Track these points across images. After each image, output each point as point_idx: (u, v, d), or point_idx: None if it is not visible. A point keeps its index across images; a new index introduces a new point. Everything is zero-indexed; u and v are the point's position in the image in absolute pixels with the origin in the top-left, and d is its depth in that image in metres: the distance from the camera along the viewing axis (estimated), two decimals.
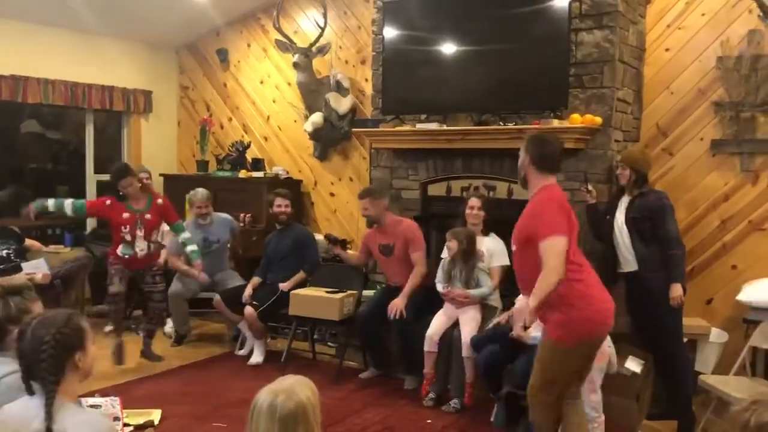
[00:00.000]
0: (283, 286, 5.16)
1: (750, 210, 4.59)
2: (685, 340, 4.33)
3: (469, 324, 4.31)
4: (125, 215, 4.86)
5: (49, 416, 1.82)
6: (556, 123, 4.47)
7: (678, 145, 4.84)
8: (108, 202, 4.94)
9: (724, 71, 4.59)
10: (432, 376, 4.44)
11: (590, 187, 4.39)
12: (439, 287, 4.53)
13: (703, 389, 4.24)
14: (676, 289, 3.94)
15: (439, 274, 4.56)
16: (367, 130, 5.31)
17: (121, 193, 4.90)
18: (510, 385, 3.78)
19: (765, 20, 4.21)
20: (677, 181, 4.78)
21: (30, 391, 1.92)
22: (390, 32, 5.19)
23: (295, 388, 1.74)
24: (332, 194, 6.55)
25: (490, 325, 4.21)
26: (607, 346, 3.64)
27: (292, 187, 6.44)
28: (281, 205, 5.34)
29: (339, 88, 6.23)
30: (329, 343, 5.51)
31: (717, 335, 4.42)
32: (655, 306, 4.07)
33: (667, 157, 4.88)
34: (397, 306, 4.62)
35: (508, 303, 4.45)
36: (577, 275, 3.03)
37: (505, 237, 4.64)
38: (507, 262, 4.53)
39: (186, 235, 5.16)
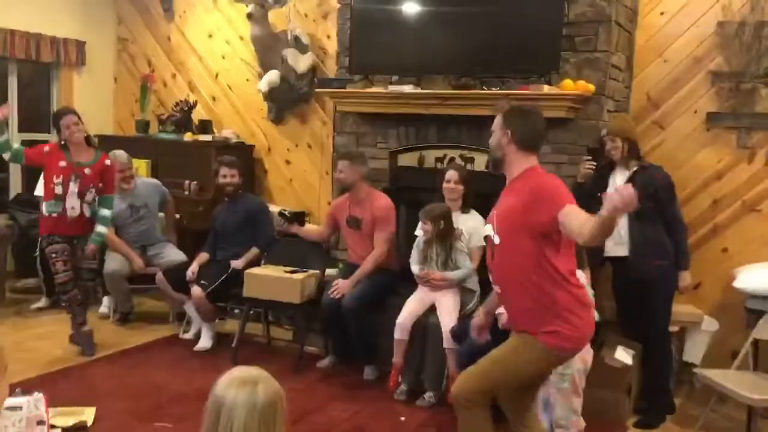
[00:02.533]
0: (235, 263, 4.63)
1: (745, 190, 4.29)
2: (675, 328, 4.03)
3: (449, 311, 3.89)
4: (62, 164, 4.26)
5: None
6: (546, 89, 4.04)
7: (670, 118, 4.49)
8: (47, 148, 4.37)
9: (724, 38, 4.24)
10: (401, 367, 4.01)
11: (590, 161, 3.93)
12: (415, 269, 4.08)
13: (689, 380, 3.99)
14: (686, 278, 3.64)
15: (414, 255, 4.11)
16: (333, 91, 4.77)
17: (62, 142, 4.30)
18: None
19: None
20: (667, 156, 4.42)
21: None
22: None
23: (266, 376, 1.49)
24: (288, 162, 6.00)
25: (473, 313, 3.79)
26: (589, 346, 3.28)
27: (243, 152, 5.89)
28: (227, 174, 4.78)
29: (297, 44, 5.65)
30: (285, 326, 5.01)
31: (707, 323, 4.13)
32: (648, 294, 3.75)
33: (657, 130, 4.52)
34: (340, 287, 4.17)
35: (489, 287, 4.04)
36: (576, 280, 2.61)
37: (485, 213, 4.25)
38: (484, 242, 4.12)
39: (107, 212, 4.43)
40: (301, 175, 5.93)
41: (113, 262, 4.87)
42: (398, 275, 4.44)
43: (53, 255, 4.26)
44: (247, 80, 6.12)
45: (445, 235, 3.97)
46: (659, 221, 3.76)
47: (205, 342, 4.63)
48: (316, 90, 4.95)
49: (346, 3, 4.83)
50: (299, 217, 4.57)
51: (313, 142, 5.84)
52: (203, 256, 4.81)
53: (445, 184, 4.13)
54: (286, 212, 4.52)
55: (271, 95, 5.75)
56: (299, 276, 4.30)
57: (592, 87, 4.05)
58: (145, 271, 4.99)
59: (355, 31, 4.70)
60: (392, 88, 4.50)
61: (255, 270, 4.44)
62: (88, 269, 4.43)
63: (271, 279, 4.32)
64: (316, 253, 4.64)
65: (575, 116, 4.14)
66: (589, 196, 3.88)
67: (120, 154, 5.01)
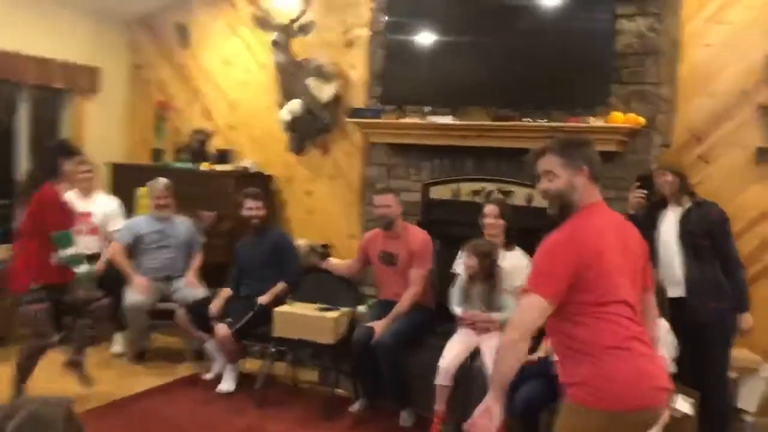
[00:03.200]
0: (262, 299, 4.42)
1: None
2: (734, 374, 3.83)
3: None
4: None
5: None
6: (596, 121, 3.88)
7: (715, 152, 4.33)
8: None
9: None
10: (444, 414, 3.77)
11: (640, 188, 3.74)
12: (457, 310, 3.88)
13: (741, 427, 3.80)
14: (748, 320, 3.44)
15: (456, 295, 3.91)
16: (366, 121, 4.59)
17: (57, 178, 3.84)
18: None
19: None
20: (713, 192, 4.23)
21: None
22: (395, 8, 4.49)
23: None
24: (308, 193, 5.80)
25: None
26: None
27: (261, 183, 5.68)
28: (252, 207, 4.59)
29: (320, 74, 5.49)
30: (310, 367, 4.76)
31: (766, 369, 3.94)
32: (705, 339, 3.56)
33: (702, 165, 4.36)
34: (378, 327, 3.96)
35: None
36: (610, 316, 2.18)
37: (527, 250, 4.06)
38: None
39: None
40: (322, 207, 5.72)
41: (134, 295, 4.63)
42: (434, 313, 4.24)
43: (36, 312, 3.79)
44: (267, 108, 5.94)
45: (490, 273, 3.77)
46: (716, 260, 3.59)
47: (228, 384, 4.38)
48: (348, 120, 4.77)
49: (378, 32, 4.68)
50: (326, 252, 4.36)
51: (336, 173, 5.65)
52: (226, 292, 4.59)
53: (484, 219, 3.95)
54: (318, 247, 4.31)
55: (292, 125, 5.58)
56: (332, 314, 4.08)
57: (642, 120, 3.90)
58: (164, 306, 4.75)
59: (388, 60, 4.54)
60: (432, 118, 4.33)
61: (285, 308, 4.21)
62: (100, 304, 4.09)
63: (302, 317, 4.09)
64: (345, 289, 4.42)
65: (623, 150, 3.98)
66: (639, 227, 3.71)
67: (162, 180, 4.95)
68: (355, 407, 4.20)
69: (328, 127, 5.57)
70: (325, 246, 4.45)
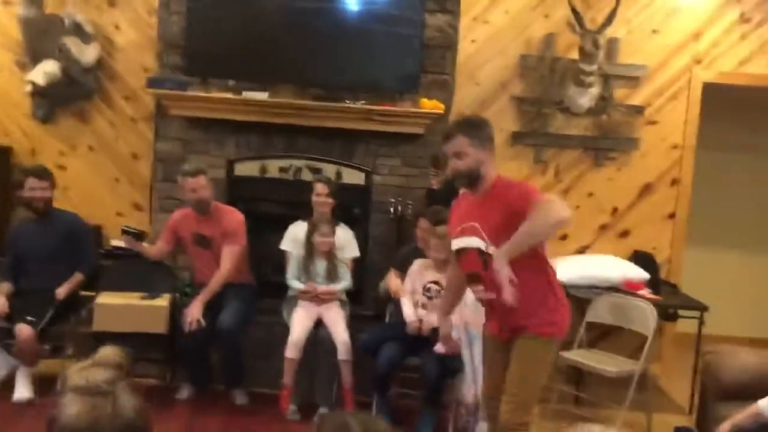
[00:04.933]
0: (60, 292, 3.91)
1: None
2: None
3: (340, 323, 3.90)
4: None
5: None
6: (403, 106, 4.31)
7: None
8: None
9: (524, 69, 4.98)
10: (292, 386, 3.89)
11: (436, 171, 4.29)
12: (296, 284, 3.98)
13: None
14: None
15: (294, 270, 4.01)
16: (170, 93, 4.29)
17: None
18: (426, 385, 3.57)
19: (578, 30, 4.67)
20: None
21: None
22: None
23: None
24: (61, 167, 5.14)
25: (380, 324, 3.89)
26: None
27: None
28: (36, 187, 4.02)
29: (79, 32, 4.89)
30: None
31: None
32: None
33: None
34: (193, 316, 3.87)
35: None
36: (551, 268, 2.93)
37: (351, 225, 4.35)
38: (358, 253, 4.24)
39: None
40: (80, 184, 5.13)
41: None
42: (257, 290, 4.27)
43: None
44: None
45: (331, 249, 3.96)
46: None
47: (24, 391, 3.80)
48: (152, 91, 4.37)
49: None
50: (140, 235, 4.04)
51: (97, 145, 5.11)
52: (5, 287, 3.94)
53: (315, 197, 4.10)
54: (131, 229, 3.97)
55: (43, 90, 4.88)
56: (162, 302, 3.84)
57: (441, 106, 4.43)
58: None
59: (190, 28, 4.31)
60: (246, 94, 4.26)
61: (105, 299, 3.81)
62: None
63: (129, 308, 3.77)
64: (159, 273, 4.16)
65: (424, 132, 4.47)
66: (443, 202, 4.29)
67: None
68: (184, 394, 4.04)
69: (89, 94, 5.01)
70: (142, 233, 4.07)
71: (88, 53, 4.91)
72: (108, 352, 1.41)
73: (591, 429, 1.55)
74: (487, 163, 2.75)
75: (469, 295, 3.16)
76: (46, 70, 4.79)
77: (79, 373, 1.34)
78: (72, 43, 4.84)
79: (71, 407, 1.30)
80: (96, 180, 5.12)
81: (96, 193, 5.11)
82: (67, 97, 5.00)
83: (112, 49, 5.03)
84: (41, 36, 4.83)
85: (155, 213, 4.66)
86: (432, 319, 3.60)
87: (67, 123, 5.11)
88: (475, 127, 2.82)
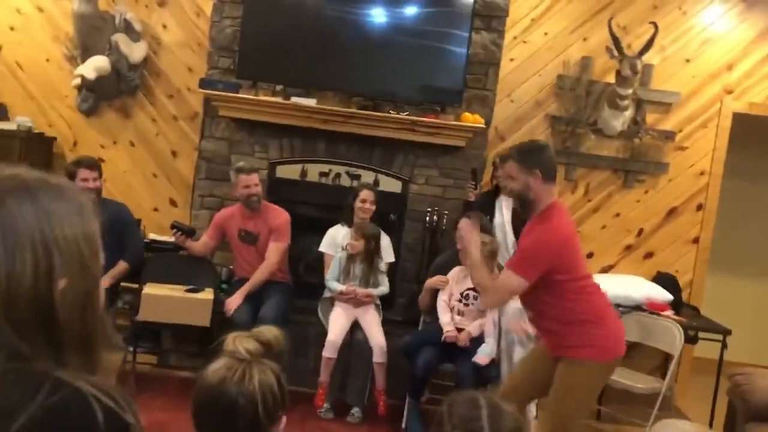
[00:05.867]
0: (104, 280, 3.99)
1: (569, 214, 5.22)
2: None
3: (376, 325, 4.01)
4: None
5: None
6: (445, 119, 4.43)
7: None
8: None
9: (560, 89, 5.11)
10: (328, 385, 3.99)
11: (475, 184, 4.41)
12: (335, 285, 4.08)
13: None
14: None
15: (334, 271, 4.11)
16: (221, 94, 4.40)
17: None
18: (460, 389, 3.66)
19: (616, 55, 4.80)
20: None
21: None
22: None
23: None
24: (102, 160, 5.23)
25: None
26: None
27: (41, 145, 5.02)
28: (88, 178, 4.13)
29: (129, 30, 5.02)
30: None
31: None
32: None
33: None
34: (233, 302, 4.00)
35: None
36: (594, 289, 3.01)
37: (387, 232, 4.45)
38: (393, 258, 4.35)
39: None
40: (119, 177, 5.23)
41: None
42: (294, 289, 4.37)
43: None
44: (47, 60, 5.18)
45: (373, 254, 4.07)
46: None
47: None
48: (204, 92, 4.48)
49: (225, 1, 4.52)
50: (191, 231, 4.15)
51: (137, 140, 5.23)
52: None
53: (360, 204, 4.21)
54: (181, 225, 4.08)
55: (91, 84, 5.00)
56: (206, 296, 3.95)
57: (482, 120, 4.55)
58: None
59: (245, 33, 4.43)
60: (295, 99, 4.38)
61: (151, 290, 3.91)
62: None
63: (175, 300, 3.87)
64: (202, 267, 4.26)
65: (465, 145, 4.59)
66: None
67: None
68: None
69: (134, 90, 5.14)
70: (193, 229, 4.19)
71: (136, 50, 5.03)
72: (266, 329, 1.53)
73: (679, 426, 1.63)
74: (537, 189, 2.82)
75: (511, 303, 3.29)
76: (96, 65, 4.91)
77: (234, 339, 1.46)
78: (121, 40, 4.97)
79: (214, 364, 1.45)
80: (134, 174, 5.24)
81: (133, 187, 5.23)
82: (112, 92, 5.12)
83: (159, 48, 5.16)
84: (93, 31, 4.96)
85: (195, 209, 4.76)
86: (470, 327, 3.72)
87: (110, 117, 5.23)
88: (525, 153, 2.92)
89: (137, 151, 5.23)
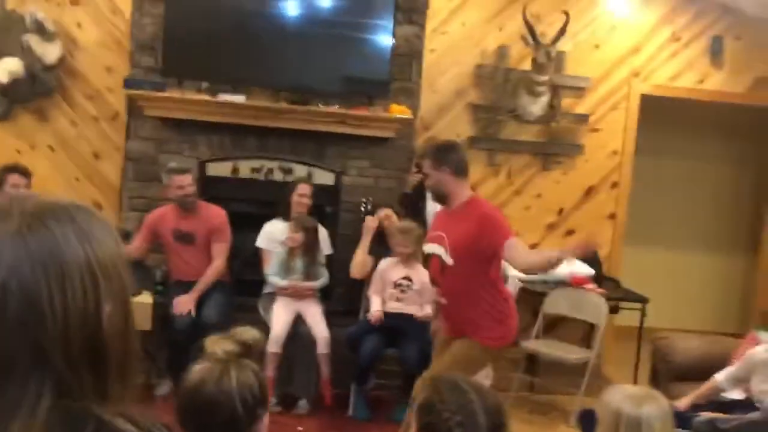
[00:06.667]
0: None
1: (492, 199, 5.41)
2: None
3: (320, 318, 4.08)
4: None
5: None
6: (374, 111, 4.53)
7: (439, 139, 5.35)
8: None
9: (480, 78, 5.29)
10: (274, 379, 4.03)
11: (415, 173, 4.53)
12: (276, 280, 4.12)
13: None
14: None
15: (275, 267, 4.14)
16: (147, 94, 4.33)
17: None
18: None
19: (531, 43, 5.01)
20: None
21: None
22: None
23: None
24: None
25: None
26: None
27: None
28: (19, 185, 4.07)
29: (40, 31, 4.85)
30: None
31: None
32: None
33: None
34: (185, 303, 4.02)
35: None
36: (504, 290, 3.30)
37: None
38: (331, 250, 4.43)
39: None
40: (38, 183, 5.04)
41: None
42: (234, 288, 4.38)
43: None
44: None
45: (312, 247, 4.13)
46: None
47: None
48: (129, 92, 4.38)
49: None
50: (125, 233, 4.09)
51: (57, 144, 5.07)
52: None
53: (298, 197, 4.26)
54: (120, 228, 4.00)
55: (4, 88, 4.81)
56: (144, 299, 3.91)
57: (409, 112, 4.67)
58: None
59: (168, 31, 4.37)
60: (223, 96, 4.37)
61: None
62: None
63: None
64: (137, 271, 4.19)
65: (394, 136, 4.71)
66: (415, 204, 4.56)
67: None
68: (164, 390, 4.11)
69: (50, 92, 4.97)
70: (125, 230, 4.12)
71: (50, 51, 4.86)
72: (243, 330, 1.58)
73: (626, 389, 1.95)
74: (451, 183, 3.10)
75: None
76: (9, 69, 4.73)
77: (213, 341, 1.51)
78: (34, 41, 4.79)
79: (195, 367, 1.54)
80: (55, 179, 5.07)
81: (55, 192, 5.04)
82: (27, 95, 4.93)
83: (75, 48, 5.01)
84: (2, 33, 4.76)
85: (124, 212, 4.68)
86: (409, 309, 3.87)
87: (26, 121, 5.04)
88: (437, 152, 3.21)
89: (57, 155, 5.07)
